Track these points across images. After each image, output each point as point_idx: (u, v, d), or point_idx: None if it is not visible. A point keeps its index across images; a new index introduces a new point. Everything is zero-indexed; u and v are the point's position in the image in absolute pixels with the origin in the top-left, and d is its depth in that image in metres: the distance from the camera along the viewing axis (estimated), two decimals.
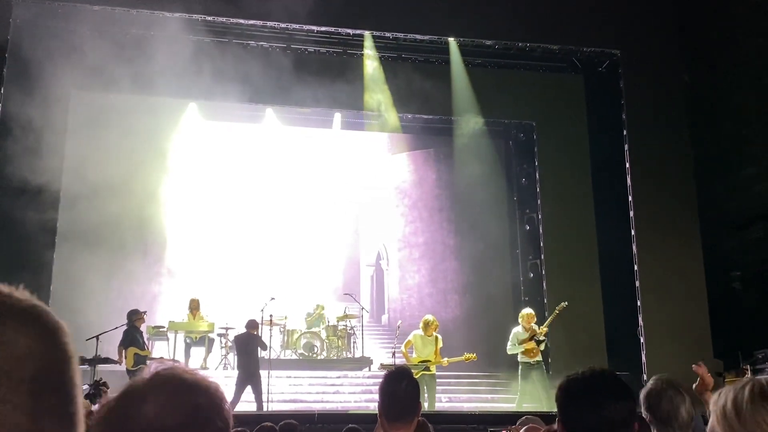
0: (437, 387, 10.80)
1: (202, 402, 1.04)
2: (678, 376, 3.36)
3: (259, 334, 11.14)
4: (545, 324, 10.66)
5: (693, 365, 3.63)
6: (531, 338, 10.42)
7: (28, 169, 10.91)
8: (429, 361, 10.27)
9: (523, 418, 4.56)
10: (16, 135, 11.12)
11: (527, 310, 10.83)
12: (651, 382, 3.07)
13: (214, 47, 12.53)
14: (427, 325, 10.51)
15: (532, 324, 10.57)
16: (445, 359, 10.46)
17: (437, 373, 10.73)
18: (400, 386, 2.92)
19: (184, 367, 1.12)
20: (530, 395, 10.39)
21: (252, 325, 11.13)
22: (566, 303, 10.68)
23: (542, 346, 10.46)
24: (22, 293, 0.80)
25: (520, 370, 10.58)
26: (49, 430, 0.77)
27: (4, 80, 11.45)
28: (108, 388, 5.36)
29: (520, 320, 10.69)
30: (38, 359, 0.75)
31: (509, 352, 10.71)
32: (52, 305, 11.71)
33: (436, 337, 10.50)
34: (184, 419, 1.01)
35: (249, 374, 10.47)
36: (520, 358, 10.55)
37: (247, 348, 10.83)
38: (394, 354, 11.39)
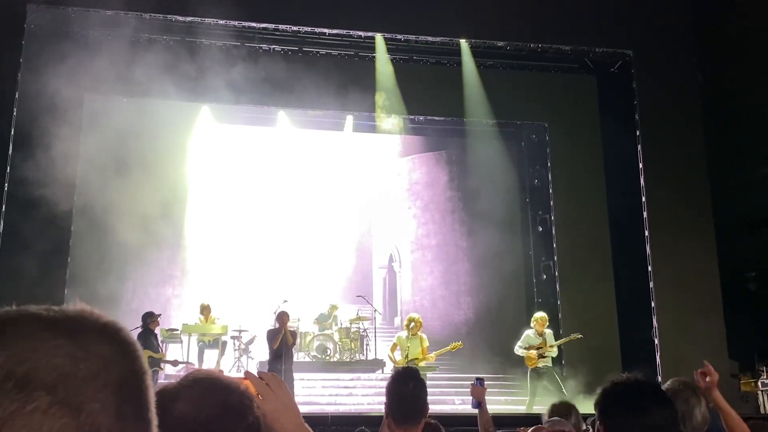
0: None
1: (233, 399, 1.07)
2: (692, 377, 3.33)
3: (275, 327, 10.81)
4: (555, 343, 10.53)
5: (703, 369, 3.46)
6: (537, 348, 10.33)
7: (41, 173, 10.97)
8: (416, 359, 10.12)
9: (554, 418, 4.36)
10: (30, 139, 11.21)
11: (540, 314, 10.72)
12: (668, 382, 3.06)
13: (226, 51, 12.59)
14: (410, 324, 10.44)
15: (545, 329, 10.48)
16: (431, 354, 10.36)
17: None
18: (408, 387, 2.87)
19: (218, 371, 1.15)
20: (541, 397, 10.31)
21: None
22: (581, 335, 10.60)
23: (546, 360, 10.36)
24: (98, 312, 0.83)
25: (528, 373, 10.55)
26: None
27: (19, 84, 11.53)
28: None
29: (532, 323, 10.60)
30: (121, 367, 0.79)
31: (516, 353, 10.66)
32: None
33: (421, 337, 10.43)
34: (216, 414, 1.04)
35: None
36: (526, 361, 10.52)
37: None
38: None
